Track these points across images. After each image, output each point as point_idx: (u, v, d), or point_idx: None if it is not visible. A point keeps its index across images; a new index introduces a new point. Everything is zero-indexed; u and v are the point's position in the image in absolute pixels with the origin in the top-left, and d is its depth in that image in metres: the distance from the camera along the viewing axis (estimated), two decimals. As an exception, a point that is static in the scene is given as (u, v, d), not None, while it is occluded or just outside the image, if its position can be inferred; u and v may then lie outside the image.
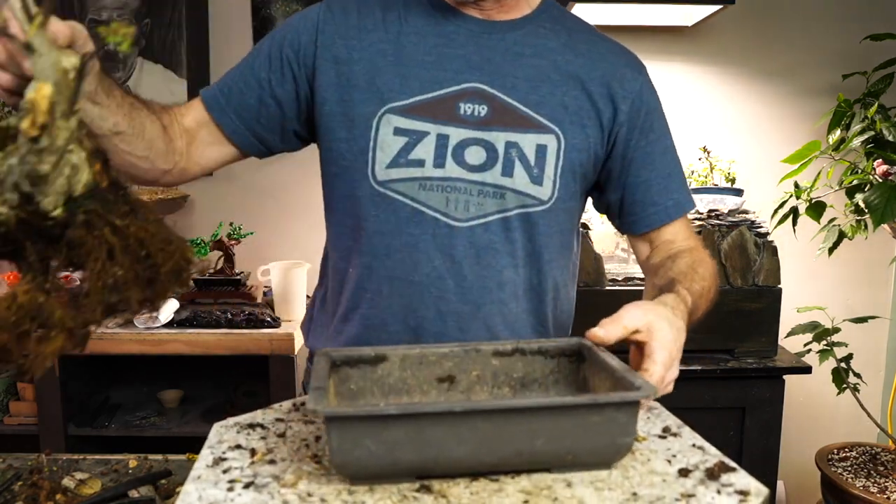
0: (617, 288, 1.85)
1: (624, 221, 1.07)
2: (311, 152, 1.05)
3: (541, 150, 0.95)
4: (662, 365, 0.76)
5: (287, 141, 1.04)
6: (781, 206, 1.89)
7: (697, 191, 1.98)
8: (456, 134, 0.94)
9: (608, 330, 0.77)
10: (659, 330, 0.77)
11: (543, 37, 0.99)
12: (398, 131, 0.93)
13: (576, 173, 0.98)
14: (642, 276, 1.88)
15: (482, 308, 0.97)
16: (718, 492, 0.58)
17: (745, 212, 1.94)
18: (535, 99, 0.96)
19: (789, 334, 1.90)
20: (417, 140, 0.93)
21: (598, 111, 0.98)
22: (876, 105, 1.75)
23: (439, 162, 0.93)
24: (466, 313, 0.96)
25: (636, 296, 1.81)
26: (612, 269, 1.90)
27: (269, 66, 0.99)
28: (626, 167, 1.01)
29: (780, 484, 2.22)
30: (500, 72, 0.96)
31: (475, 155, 0.94)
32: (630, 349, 0.81)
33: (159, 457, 1.06)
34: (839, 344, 1.88)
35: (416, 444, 0.58)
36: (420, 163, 0.93)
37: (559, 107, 0.96)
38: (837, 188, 1.89)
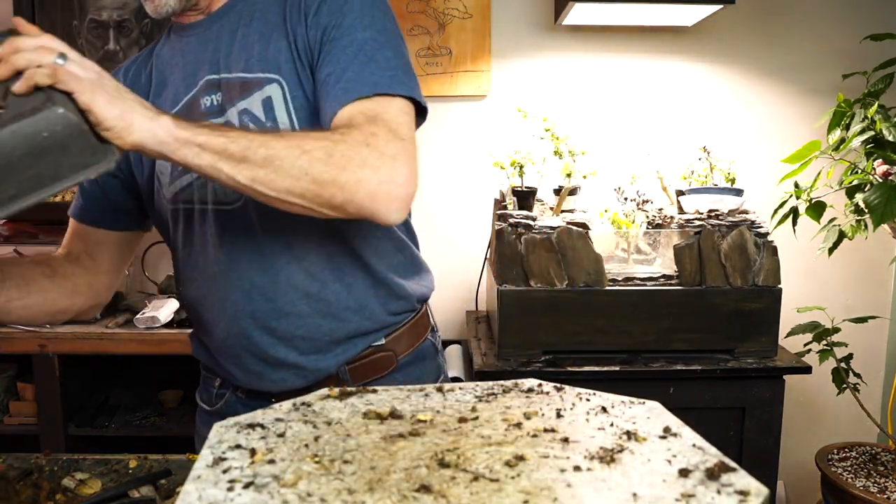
0: (617, 288, 1.85)
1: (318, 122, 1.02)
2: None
3: (267, 104, 0.96)
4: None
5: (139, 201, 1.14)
6: (781, 206, 1.89)
7: (697, 191, 1.98)
8: None
9: None
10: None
11: (254, 4, 1.01)
12: None
13: (309, 107, 0.97)
14: (642, 275, 1.89)
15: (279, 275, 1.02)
16: (718, 492, 0.58)
17: (745, 212, 1.94)
18: (253, 62, 0.98)
19: (789, 334, 1.90)
20: None
21: (301, 39, 0.97)
22: (876, 105, 1.75)
23: None
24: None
25: (636, 295, 1.83)
26: (612, 269, 1.90)
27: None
28: (317, 73, 0.97)
29: (780, 484, 2.22)
30: (224, 54, 1.00)
31: None
32: None
33: (159, 457, 1.06)
34: (839, 344, 1.88)
35: None
36: (188, 170, 0.95)
37: (273, 55, 0.97)
38: (837, 188, 1.90)
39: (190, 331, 1.22)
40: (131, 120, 0.74)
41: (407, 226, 1.15)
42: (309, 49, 0.97)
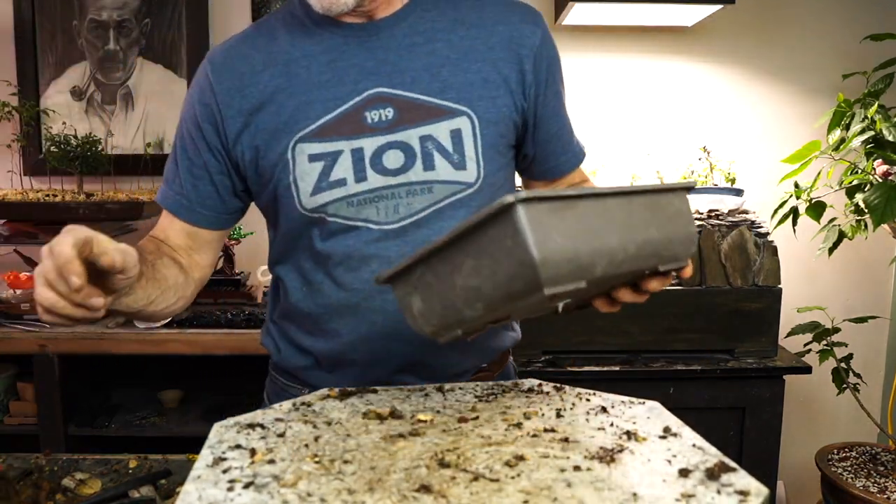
0: (617, 288, 1.85)
1: (537, 171, 1.09)
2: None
3: (456, 135, 0.94)
4: None
5: (250, 198, 1.07)
6: (781, 206, 1.89)
7: (697, 191, 1.98)
8: (369, 144, 0.94)
9: None
10: None
11: (430, 20, 0.97)
12: (313, 158, 0.94)
13: (497, 146, 0.98)
14: (642, 275, 1.89)
15: None
16: (718, 492, 0.58)
17: (745, 212, 1.94)
18: (437, 86, 0.95)
19: (789, 334, 1.90)
20: (334, 161, 0.94)
21: (504, 77, 0.97)
22: (876, 105, 1.75)
23: (360, 176, 0.94)
24: None
25: (636, 296, 1.83)
26: (612, 269, 1.90)
27: (198, 149, 1.00)
28: (538, 123, 1.03)
29: (780, 484, 2.22)
30: (397, 69, 0.95)
31: (393, 159, 0.94)
32: None
33: (159, 457, 1.06)
34: (839, 344, 1.88)
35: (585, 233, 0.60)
36: (342, 182, 0.94)
37: (464, 86, 0.95)
38: (837, 188, 1.89)
39: (190, 331, 1.21)
40: None
41: None
42: (523, 94, 0.98)
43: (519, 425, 0.74)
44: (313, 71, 0.95)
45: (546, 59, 1.00)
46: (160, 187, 1.07)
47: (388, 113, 0.94)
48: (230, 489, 0.59)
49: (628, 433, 0.71)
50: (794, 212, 1.87)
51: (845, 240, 1.86)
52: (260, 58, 0.97)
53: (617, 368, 1.81)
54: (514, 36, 0.98)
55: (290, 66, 0.96)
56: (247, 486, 0.59)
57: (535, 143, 1.04)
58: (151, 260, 0.94)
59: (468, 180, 0.95)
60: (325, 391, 0.85)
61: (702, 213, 1.91)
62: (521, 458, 0.65)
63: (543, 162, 1.07)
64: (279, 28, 0.99)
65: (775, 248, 1.85)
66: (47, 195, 1.99)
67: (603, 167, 2.12)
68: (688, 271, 0.78)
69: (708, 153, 2.08)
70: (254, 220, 2.21)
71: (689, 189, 0.74)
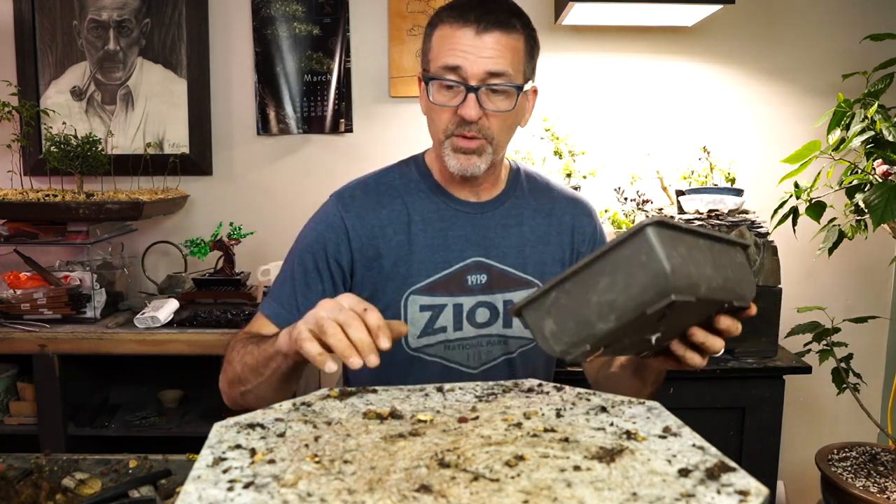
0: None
1: None
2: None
3: None
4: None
5: None
6: (781, 206, 1.88)
7: (697, 191, 1.98)
8: (467, 302, 1.15)
9: None
10: None
11: (519, 207, 1.20)
12: (423, 308, 1.14)
13: None
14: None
15: None
16: (718, 492, 0.58)
17: (745, 212, 1.94)
18: (521, 262, 1.18)
19: (789, 334, 1.90)
20: (439, 312, 1.15)
21: (563, 258, 1.22)
22: (876, 105, 1.75)
23: (458, 326, 1.16)
24: None
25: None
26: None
27: (319, 278, 1.16)
28: None
29: (780, 484, 2.22)
30: (494, 245, 1.17)
31: (482, 315, 1.16)
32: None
33: (159, 457, 1.06)
34: (839, 344, 1.88)
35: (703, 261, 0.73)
36: (443, 329, 1.15)
37: (539, 264, 1.19)
38: (837, 188, 1.89)
39: (190, 331, 1.24)
40: None
41: None
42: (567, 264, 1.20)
43: (519, 425, 0.74)
44: (428, 234, 1.16)
45: (597, 246, 1.22)
46: (267, 301, 1.18)
47: (483, 278, 1.16)
48: (230, 489, 0.59)
49: (628, 433, 0.71)
50: (794, 212, 1.87)
51: (845, 240, 1.86)
52: (386, 213, 1.16)
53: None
54: (577, 226, 1.24)
55: (410, 226, 1.16)
56: (247, 486, 0.59)
57: None
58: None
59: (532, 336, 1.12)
60: (324, 391, 0.85)
61: (702, 213, 1.91)
62: (521, 457, 0.65)
63: None
64: (399, 187, 1.19)
65: (775, 248, 1.85)
66: (47, 195, 1.99)
67: (603, 167, 2.12)
68: (752, 311, 0.86)
69: (708, 153, 2.08)
70: (254, 220, 2.22)
71: (746, 247, 0.89)
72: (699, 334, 0.84)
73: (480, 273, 1.16)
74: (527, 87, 1.11)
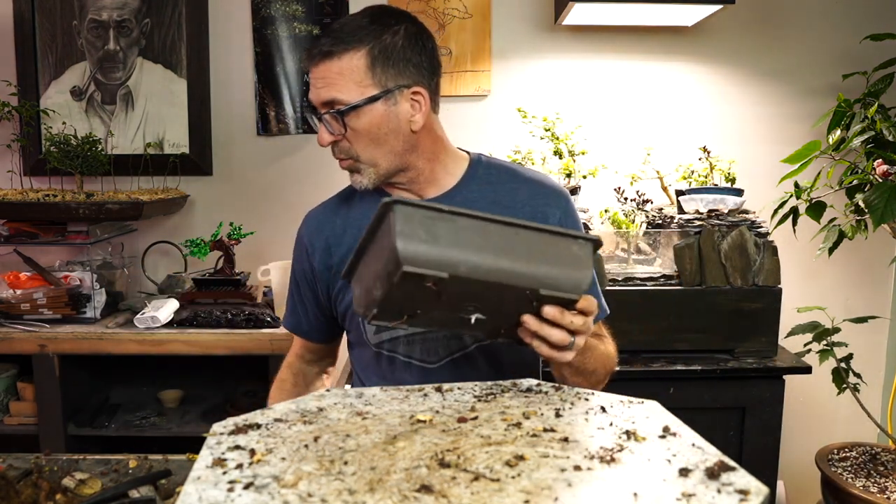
0: (617, 288, 1.85)
1: None
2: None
3: None
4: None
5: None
6: (781, 206, 1.89)
7: (697, 191, 1.98)
8: None
9: None
10: None
11: (473, 201, 1.15)
12: None
13: None
14: (642, 275, 1.89)
15: None
16: (718, 491, 0.58)
17: (745, 212, 1.94)
18: None
19: (789, 334, 1.90)
20: None
21: None
22: (876, 105, 1.75)
23: None
24: None
25: (636, 295, 1.83)
26: (612, 269, 1.90)
27: (310, 289, 1.27)
28: None
29: (780, 484, 2.22)
30: None
31: None
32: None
33: (159, 457, 1.06)
34: (839, 344, 1.88)
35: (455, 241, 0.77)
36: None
37: None
38: (837, 188, 1.89)
39: (190, 331, 1.28)
40: None
41: None
42: None
43: (518, 425, 0.74)
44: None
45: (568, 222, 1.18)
46: (285, 316, 1.35)
47: None
48: (230, 490, 0.59)
49: (628, 433, 0.71)
50: (794, 212, 1.87)
51: (845, 240, 1.86)
52: (339, 222, 1.22)
53: (617, 368, 1.81)
54: (538, 217, 1.16)
55: (360, 231, 1.15)
56: (247, 486, 0.59)
57: None
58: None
59: None
60: (324, 391, 0.85)
61: (702, 213, 1.91)
62: (521, 457, 0.65)
63: None
64: (353, 196, 1.23)
65: (775, 248, 1.85)
66: (47, 195, 1.99)
67: (603, 167, 2.12)
68: (583, 304, 0.87)
69: (708, 153, 2.08)
70: (254, 220, 2.22)
71: (596, 243, 0.87)
72: (531, 322, 0.86)
73: None
74: (385, 96, 1.08)
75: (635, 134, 2.26)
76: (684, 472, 0.61)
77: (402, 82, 1.08)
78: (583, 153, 2.07)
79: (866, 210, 1.66)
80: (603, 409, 0.78)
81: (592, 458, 0.65)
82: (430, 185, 1.17)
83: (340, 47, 1.06)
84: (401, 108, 1.09)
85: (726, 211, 1.89)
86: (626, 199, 2.03)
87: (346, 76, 1.06)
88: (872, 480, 1.82)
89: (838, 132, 1.84)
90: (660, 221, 1.98)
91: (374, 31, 1.07)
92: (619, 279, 1.87)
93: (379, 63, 1.07)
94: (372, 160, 1.12)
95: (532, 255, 0.81)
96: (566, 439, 0.69)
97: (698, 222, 1.87)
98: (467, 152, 1.23)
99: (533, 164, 2.03)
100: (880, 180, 1.70)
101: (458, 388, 0.87)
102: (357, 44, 1.06)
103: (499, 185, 1.18)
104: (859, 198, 1.77)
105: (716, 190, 1.96)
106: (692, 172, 2.10)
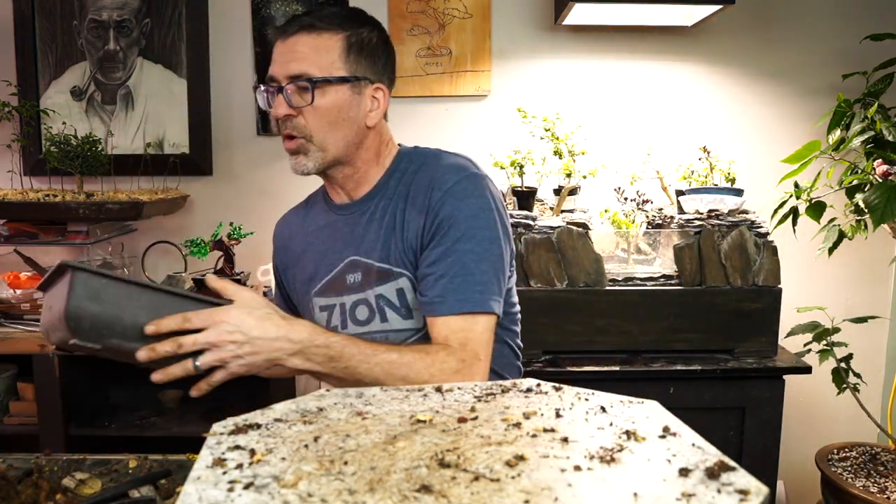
0: (617, 288, 1.85)
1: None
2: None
3: (400, 293, 1.15)
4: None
5: None
6: (781, 206, 1.89)
7: (697, 191, 1.98)
8: (348, 300, 1.19)
9: None
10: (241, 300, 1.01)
11: (389, 197, 1.18)
12: (321, 308, 1.23)
13: None
14: (642, 275, 1.89)
15: None
16: (718, 491, 0.58)
17: (745, 212, 1.94)
18: (385, 254, 1.16)
19: (789, 334, 1.90)
20: (332, 312, 1.21)
21: (419, 236, 1.13)
22: (876, 105, 1.75)
23: (345, 325, 1.20)
24: None
25: (636, 296, 1.83)
26: (612, 269, 1.90)
27: (279, 285, 1.37)
28: (420, 261, 1.14)
29: (780, 484, 2.22)
30: (364, 240, 1.18)
31: (362, 312, 1.19)
32: None
33: (159, 457, 1.06)
34: (839, 344, 1.88)
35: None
36: (336, 329, 1.19)
37: (402, 253, 1.15)
38: (837, 188, 1.89)
39: None
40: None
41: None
42: (420, 238, 1.13)
43: (518, 425, 0.74)
44: (319, 241, 1.25)
45: (442, 214, 1.10)
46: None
47: (358, 276, 1.18)
48: (230, 490, 0.59)
49: (628, 433, 0.71)
50: (794, 212, 1.87)
51: (845, 240, 1.86)
52: (296, 227, 1.31)
53: (617, 368, 1.81)
54: (426, 200, 1.13)
55: (308, 236, 1.27)
56: (247, 486, 0.59)
57: (417, 279, 1.14)
58: None
59: (417, 326, 1.15)
60: (323, 391, 0.85)
61: (702, 213, 1.91)
62: (521, 457, 0.65)
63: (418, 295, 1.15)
64: (311, 202, 1.32)
65: (775, 248, 1.85)
66: (47, 195, 1.99)
67: (603, 167, 2.12)
68: (140, 355, 0.98)
69: (708, 153, 2.08)
70: (254, 220, 2.22)
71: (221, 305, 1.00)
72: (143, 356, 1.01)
73: (356, 271, 1.18)
74: (353, 82, 1.12)
75: (635, 134, 2.26)
76: (684, 472, 0.61)
77: (369, 76, 1.14)
78: (583, 153, 2.07)
79: (866, 210, 1.66)
80: (603, 409, 0.79)
81: (592, 458, 0.65)
82: (359, 186, 1.21)
83: (323, 24, 1.11)
84: (363, 100, 1.15)
85: (726, 211, 1.90)
86: (626, 199, 2.03)
87: (322, 53, 1.10)
88: (872, 480, 1.82)
89: (838, 132, 1.84)
90: (660, 221, 1.98)
91: (353, 24, 1.14)
92: (619, 279, 1.87)
93: (353, 51, 1.12)
94: (323, 143, 1.13)
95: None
96: (566, 439, 0.69)
97: (698, 222, 1.88)
98: (401, 146, 1.25)
99: (533, 164, 2.03)
100: (880, 180, 1.70)
101: (458, 388, 0.87)
102: (337, 28, 1.12)
103: (420, 175, 1.17)
104: (859, 198, 1.77)
105: (716, 190, 1.96)
106: (692, 172, 2.10)
